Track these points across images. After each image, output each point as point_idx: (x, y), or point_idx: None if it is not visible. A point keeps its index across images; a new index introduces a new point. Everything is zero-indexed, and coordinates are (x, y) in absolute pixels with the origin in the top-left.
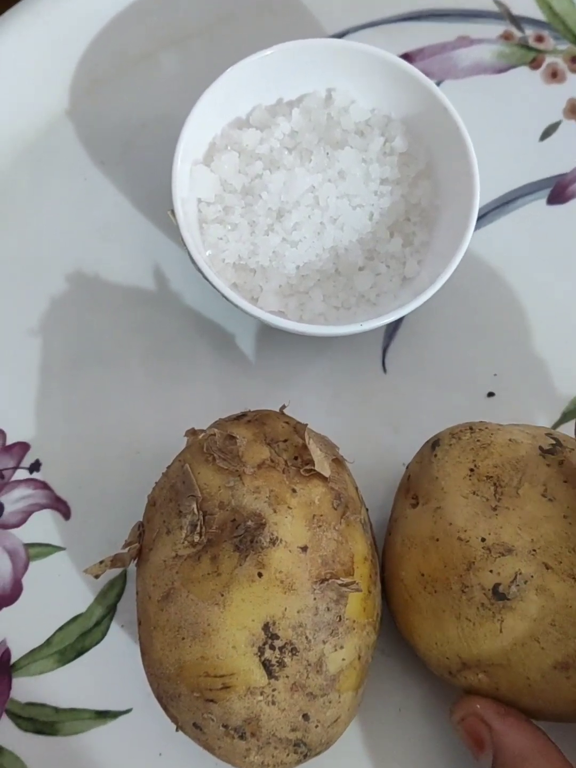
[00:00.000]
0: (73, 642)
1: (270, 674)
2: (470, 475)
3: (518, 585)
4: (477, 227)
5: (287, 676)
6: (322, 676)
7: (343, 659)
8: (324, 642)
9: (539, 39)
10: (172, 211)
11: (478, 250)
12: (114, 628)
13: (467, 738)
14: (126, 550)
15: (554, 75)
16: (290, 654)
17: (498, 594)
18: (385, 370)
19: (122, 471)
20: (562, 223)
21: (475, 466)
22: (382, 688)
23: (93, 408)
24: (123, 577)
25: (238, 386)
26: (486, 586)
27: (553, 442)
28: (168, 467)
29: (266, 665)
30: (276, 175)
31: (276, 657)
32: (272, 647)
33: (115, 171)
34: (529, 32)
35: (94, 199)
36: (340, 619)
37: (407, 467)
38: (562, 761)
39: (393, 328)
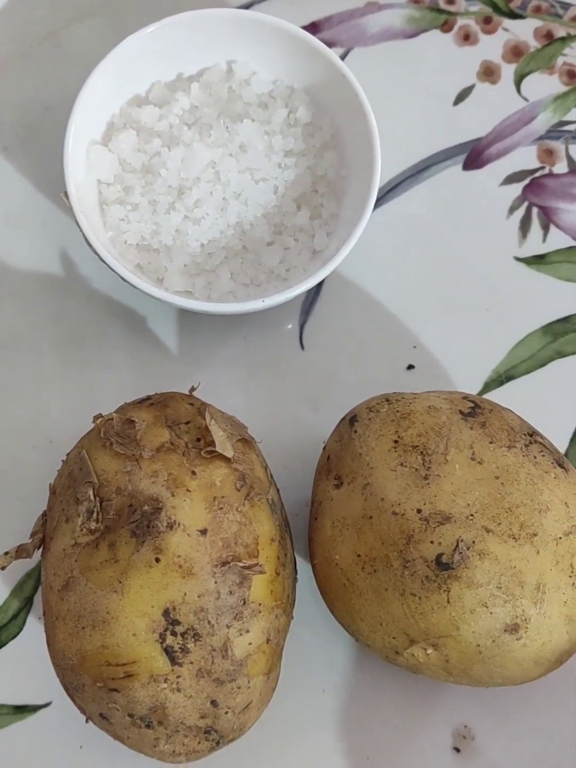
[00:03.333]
0: None
1: (173, 661)
2: (395, 447)
3: (461, 552)
4: (393, 196)
5: (191, 662)
6: (229, 661)
7: (250, 643)
8: (228, 626)
9: (450, 1)
10: (66, 194)
11: (395, 219)
12: (31, 621)
13: None
14: (31, 540)
15: (466, 37)
16: (193, 639)
17: (442, 564)
18: (302, 347)
19: (34, 461)
20: (478, 189)
21: (399, 437)
22: (302, 671)
23: (3, 398)
24: (39, 569)
25: (152, 370)
26: (428, 557)
27: (472, 404)
28: (68, 454)
29: (168, 652)
30: (174, 151)
31: (178, 643)
32: (174, 633)
33: (18, 156)
34: None
35: None
36: (245, 602)
37: (325, 447)
38: None
39: (310, 303)
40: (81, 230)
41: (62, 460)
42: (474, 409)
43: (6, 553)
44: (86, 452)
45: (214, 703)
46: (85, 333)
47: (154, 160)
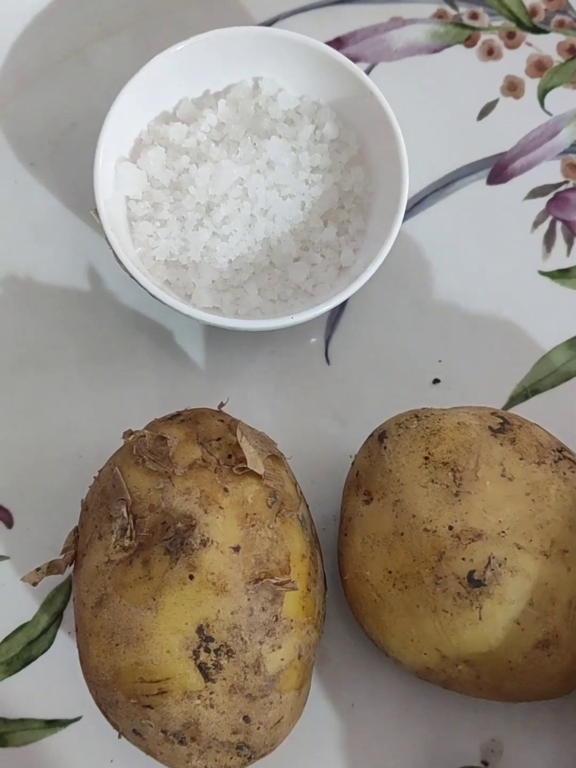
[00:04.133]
0: (20, 651)
1: (206, 677)
2: (426, 464)
3: (493, 569)
4: (417, 211)
5: (224, 679)
6: (261, 676)
7: (282, 659)
8: (260, 642)
9: (474, 16)
10: (96, 211)
11: (419, 235)
12: (61, 635)
13: None
14: (62, 556)
15: (490, 52)
16: (226, 656)
17: (473, 581)
18: (328, 361)
19: (64, 476)
20: (502, 203)
21: (429, 453)
22: (332, 686)
23: (32, 413)
24: (68, 584)
25: (179, 385)
26: (460, 574)
27: (501, 420)
28: (100, 471)
29: (202, 668)
30: (202, 168)
31: (211, 659)
32: (207, 650)
33: (45, 172)
34: (463, 10)
35: (25, 202)
36: (277, 619)
37: (353, 463)
38: None
39: (335, 318)
40: (110, 247)
41: (95, 477)
42: (503, 425)
43: (38, 569)
44: (119, 469)
45: (246, 718)
46: (112, 348)
47: (182, 176)
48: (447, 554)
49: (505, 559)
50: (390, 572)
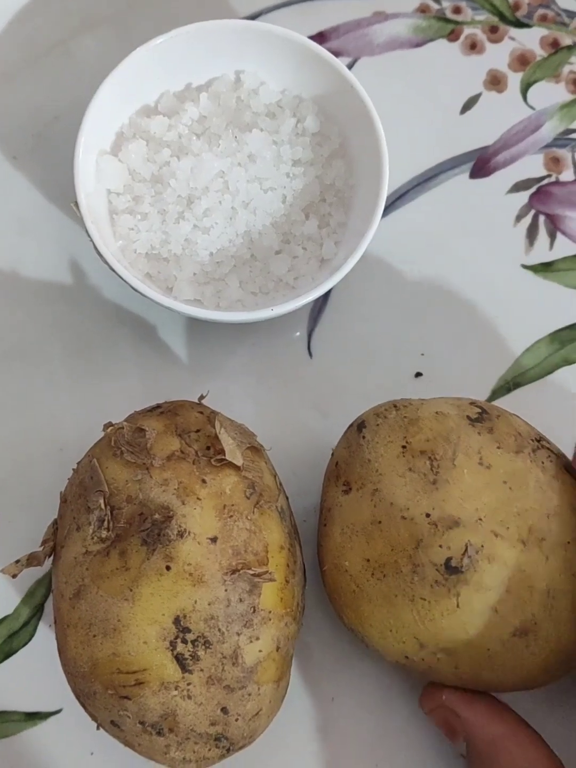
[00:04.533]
0: (1, 644)
1: (183, 668)
2: (403, 453)
3: (470, 556)
4: (400, 205)
5: (202, 670)
6: (239, 668)
7: (260, 651)
8: (238, 634)
9: (457, 10)
10: (76, 204)
11: (402, 228)
12: (42, 628)
13: (440, 726)
14: (41, 548)
15: (473, 46)
16: (203, 647)
17: (451, 568)
18: (311, 354)
19: (46, 469)
20: (485, 197)
21: (407, 442)
22: (312, 679)
23: (14, 406)
24: (50, 577)
25: (162, 378)
26: (437, 562)
27: (479, 410)
28: (78, 463)
29: (179, 659)
30: (183, 161)
31: (189, 650)
32: (184, 641)
33: (28, 165)
34: (446, 4)
35: (7, 195)
36: (255, 610)
37: (333, 453)
38: (534, 742)
39: (318, 311)
40: (91, 240)
41: (73, 469)
42: (481, 415)
43: (17, 562)
44: (97, 461)
45: (224, 710)
46: (94, 341)
47: (163, 169)
48: (424, 542)
49: (483, 546)
50: (368, 561)
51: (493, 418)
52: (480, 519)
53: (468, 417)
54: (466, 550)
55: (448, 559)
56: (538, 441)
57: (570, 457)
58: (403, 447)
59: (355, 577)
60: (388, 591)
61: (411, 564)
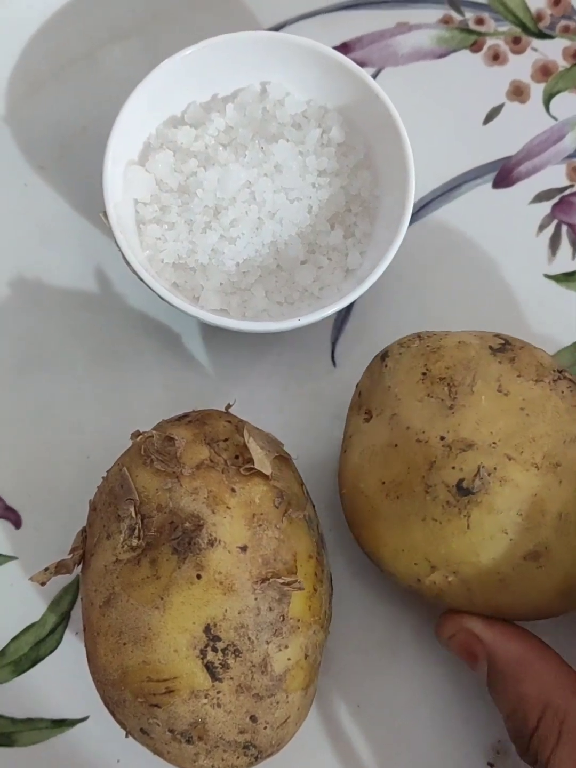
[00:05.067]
0: (28, 651)
1: (213, 676)
2: (423, 379)
3: (482, 478)
4: (423, 215)
5: (231, 678)
6: (268, 676)
7: (289, 659)
8: (267, 642)
9: (480, 21)
10: (105, 214)
11: (425, 238)
12: (68, 635)
13: (460, 653)
14: (70, 556)
15: (496, 57)
16: (233, 655)
17: (462, 489)
18: (334, 364)
19: (72, 477)
20: (508, 207)
21: (427, 369)
22: (337, 686)
23: (41, 414)
24: (76, 585)
25: (187, 386)
26: (449, 483)
27: (503, 341)
28: (108, 471)
29: (209, 668)
30: (210, 172)
31: (219, 659)
32: (215, 649)
33: (54, 175)
34: (469, 15)
35: (34, 205)
36: (284, 619)
37: (357, 386)
38: (558, 661)
39: (341, 321)
40: (119, 249)
41: (103, 477)
42: (504, 346)
43: (45, 569)
44: (127, 469)
45: (253, 718)
46: (119, 350)
47: (190, 180)
48: (437, 463)
49: (495, 468)
50: (383, 483)
51: (515, 349)
52: (494, 443)
53: (490, 347)
54: (478, 472)
55: (460, 481)
56: (560, 372)
57: None
58: (423, 374)
59: (370, 498)
60: (401, 511)
61: (424, 485)
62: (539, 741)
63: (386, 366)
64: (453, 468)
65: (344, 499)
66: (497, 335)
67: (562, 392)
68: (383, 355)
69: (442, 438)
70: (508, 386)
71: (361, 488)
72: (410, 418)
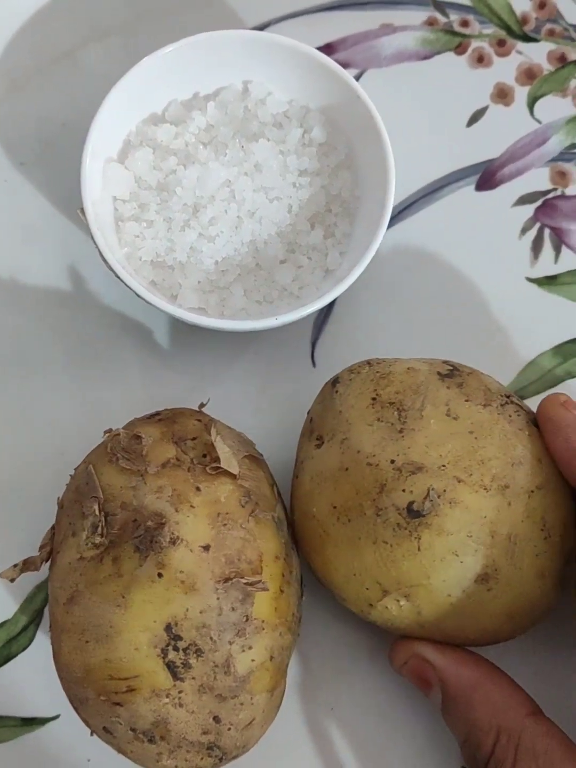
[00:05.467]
0: None
1: (175, 676)
2: (373, 404)
3: (432, 500)
4: (406, 216)
5: (193, 678)
6: (231, 677)
7: (253, 660)
8: (230, 643)
9: (464, 23)
10: (82, 210)
11: (408, 239)
12: (40, 634)
13: (413, 680)
14: (39, 553)
15: (480, 60)
16: (195, 655)
17: (412, 512)
18: (314, 364)
19: (46, 474)
20: (490, 210)
21: (377, 394)
22: (309, 688)
23: (15, 411)
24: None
25: (163, 385)
26: (400, 505)
27: (451, 367)
28: (75, 469)
29: (170, 667)
30: (190, 170)
31: (180, 658)
32: (176, 648)
33: (34, 172)
34: (454, 17)
35: (13, 201)
36: (248, 619)
37: (308, 412)
38: (509, 684)
39: (321, 321)
40: (97, 246)
41: (71, 475)
42: (452, 372)
43: (14, 566)
44: (93, 467)
45: (216, 719)
46: (96, 348)
47: (169, 177)
48: (388, 486)
49: (445, 490)
50: (335, 507)
51: (463, 375)
52: (444, 466)
53: (438, 373)
54: (428, 494)
55: (411, 503)
56: (508, 397)
57: None
58: (373, 399)
59: (322, 522)
60: (352, 534)
61: (374, 507)
62: (496, 765)
63: (337, 391)
64: (403, 490)
65: (295, 525)
66: (446, 362)
67: (510, 416)
68: (334, 381)
69: (393, 461)
70: (456, 410)
71: (312, 513)
72: (361, 442)
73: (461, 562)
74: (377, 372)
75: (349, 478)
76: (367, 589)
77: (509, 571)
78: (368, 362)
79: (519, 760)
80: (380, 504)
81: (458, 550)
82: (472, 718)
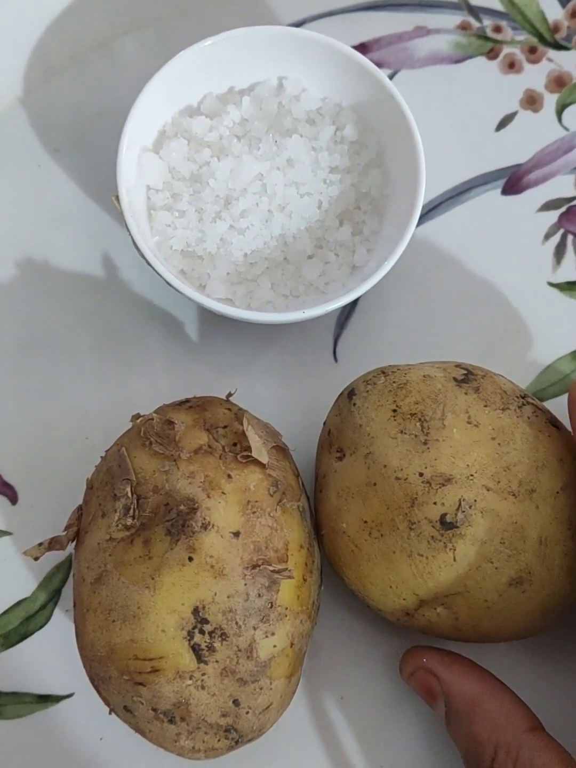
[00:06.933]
0: (17, 626)
1: (199, 658)
2: (394, 416)
3: (464, 511)
4: (432, 217)
5: (217, 661)
6: (253, 662)
7: (275, 646)
8: (255, 628)
9: (497, 29)
10: (117, 198)
11: (433, 240)
12: (58, 613)
13: (420, 691)
14: (65, 532)
15: (511, 65)
16: (220, 639)
17: (446, 524)
18: (336, 359)
19: (70, 457)
20: (516, 214)
21: (397, 406)
22: (323, 677)
23: (42, 394)
24: (68, 563)
25: (188, 373)
26: (432, 518)
27: (465, 371)
28: (107, 451)
29: (195, 649)
30: (223, 162)
31: (205, 641)
32: (202, 632)
33: (68, 159)
34: (487, 22)
35: (46, 187)
36: (272, 606)
37: (325, 423)
38: (510, 699)
39: (345, 317)
40: (130, 234)
41: (102, 457)
42: (467, 376)
43: (40, 545)
44: (126, 450)
45: (236, 702)
46: (124, 335)
47: (202, 169)
48: (419, 500)
49: (475, 500)
50: (365, 522)
51: (478, 379)
52: (471, 475)
53: (454, 378)
54: (459, 505)
55: (443, 515)
56: (523, 397)
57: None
58: (394, 411)
59: (353, 537)
60: (386, 549)
61: (407, 521)
62: None
63: (355, 404)
64: (435, 503)
65: (325, 541)
66: (458, 365)
67: (528, 418)
68: (349, 393)
69: (421, 474)
70: (477, 417)
71: (342, 528)
72: (386, 456)
73: (496, 568)
74: (394, 382)
75: (378, 493)
76: (404, 599)
77: (541, 572)
78: (383, 371)
79: None
80: (412, 518)
81: (493, 557)
82: (472, 732)
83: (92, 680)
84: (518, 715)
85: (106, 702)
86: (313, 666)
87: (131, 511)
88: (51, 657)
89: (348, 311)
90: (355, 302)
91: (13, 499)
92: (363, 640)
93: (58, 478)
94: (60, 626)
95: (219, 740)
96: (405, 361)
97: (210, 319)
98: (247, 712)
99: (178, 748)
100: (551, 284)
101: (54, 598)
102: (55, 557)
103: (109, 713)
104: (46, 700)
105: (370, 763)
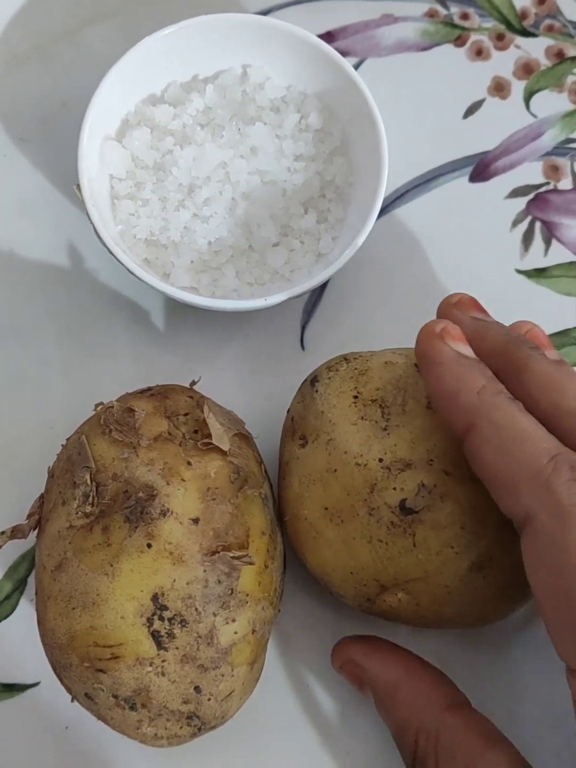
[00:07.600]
0: None
1: (159, 645)
2: (355, 402)
3: (423, 496)
4: (400, 204)
5: (177, 648)
6: (214, 648)
7: (236, 633)
8: (215, 614)
9: (464, 16)
10: (78, 187)
11: (401, 227)
12: (23, 602)
13: (350, 681)
14: (27, 521)
15: (479, 53)
16: (180, 625)
17: (405, 509)
18: (303, 347)
19: (35, 446)
20: (483, 201)
21: (358, 392)
22: (288, 664)
23: (6, 384)
24: (33, 552)
25: (154, 363)
26: (392, 503)
27: None
28: (67, 439)
29: (155, 636)
30: (186, 150)
31: (165, 628)
32: (161, 618)
33: (34, 148)
34: (454, 10)
35: (11, 176)
36: (232, 592)
37: (288, 411)
38: (432, 680)
39: (312, 305)
40: (92, 223)
41: (62, 445)
42: None
43: (2, 533)
44: (85, 438)
45: (197, 689)
46: (89, 324)
47: (166, 157)
48: (378, 485)
49: (435, 485)
50: (326, 509)
51: None
52: (431, 460)
53: (416, 364)
54: (418, 490)
55: (403, 501)
56: None
57: None
58: (355, 397)
59: (314, 524)
60: (346, 535)
61: (367, 507)
62: (420, 765)
63: (317, 391)
64: (394, 489)
65: (287, 526)
66: None
67: None
68: (312, 380)
69: (380, 460)
70: None
71: (304, 515)
72: (347, 443)
73: (456, 553)
74: (356, 368)
75: (339, 479)
76: (365, 585)
77: (501, 556)
78: (345, 358)
79: (440, 757)
80: (372, 504)
81: (453, 542)
82: (396, 719)
83: (54, 668)
84: (437, 695)
85: (68, 689)
86: (278, 653)
87: (90, 499)
88: (16, 646)
89: (315, 299)
90: (322, 290)
91: None
92: (327, 626)
93: (22, 467)
94: (26, 616)
95: (181, 727)
96: (373, 348)
97: (176, 308)
98: (209, 699)
99: (141, 735)
100: (519, 271)
101: (19, 587)
102: (21, 546)
103: (72, 701)
104: (12, 689)
105: (337, 749)
